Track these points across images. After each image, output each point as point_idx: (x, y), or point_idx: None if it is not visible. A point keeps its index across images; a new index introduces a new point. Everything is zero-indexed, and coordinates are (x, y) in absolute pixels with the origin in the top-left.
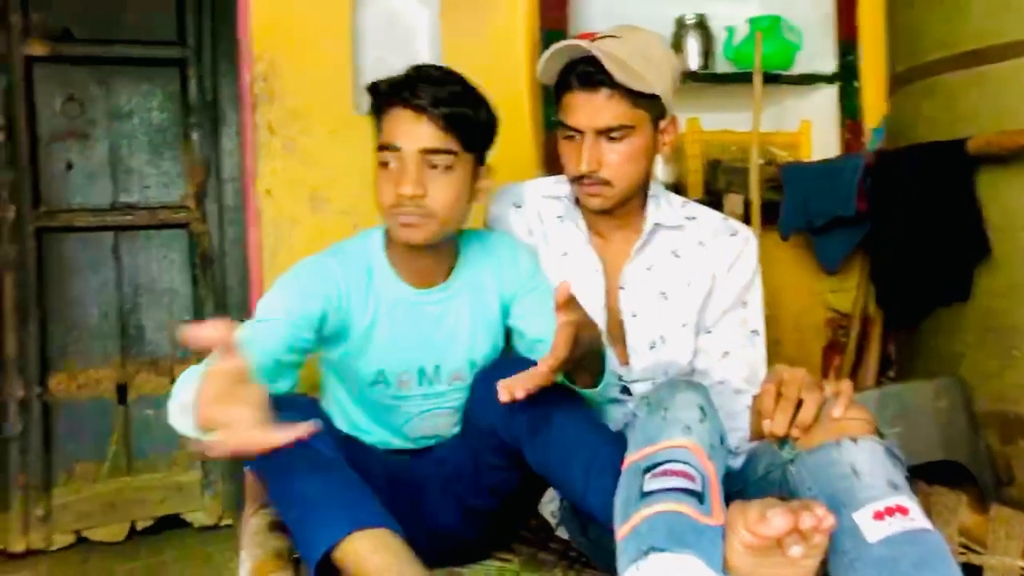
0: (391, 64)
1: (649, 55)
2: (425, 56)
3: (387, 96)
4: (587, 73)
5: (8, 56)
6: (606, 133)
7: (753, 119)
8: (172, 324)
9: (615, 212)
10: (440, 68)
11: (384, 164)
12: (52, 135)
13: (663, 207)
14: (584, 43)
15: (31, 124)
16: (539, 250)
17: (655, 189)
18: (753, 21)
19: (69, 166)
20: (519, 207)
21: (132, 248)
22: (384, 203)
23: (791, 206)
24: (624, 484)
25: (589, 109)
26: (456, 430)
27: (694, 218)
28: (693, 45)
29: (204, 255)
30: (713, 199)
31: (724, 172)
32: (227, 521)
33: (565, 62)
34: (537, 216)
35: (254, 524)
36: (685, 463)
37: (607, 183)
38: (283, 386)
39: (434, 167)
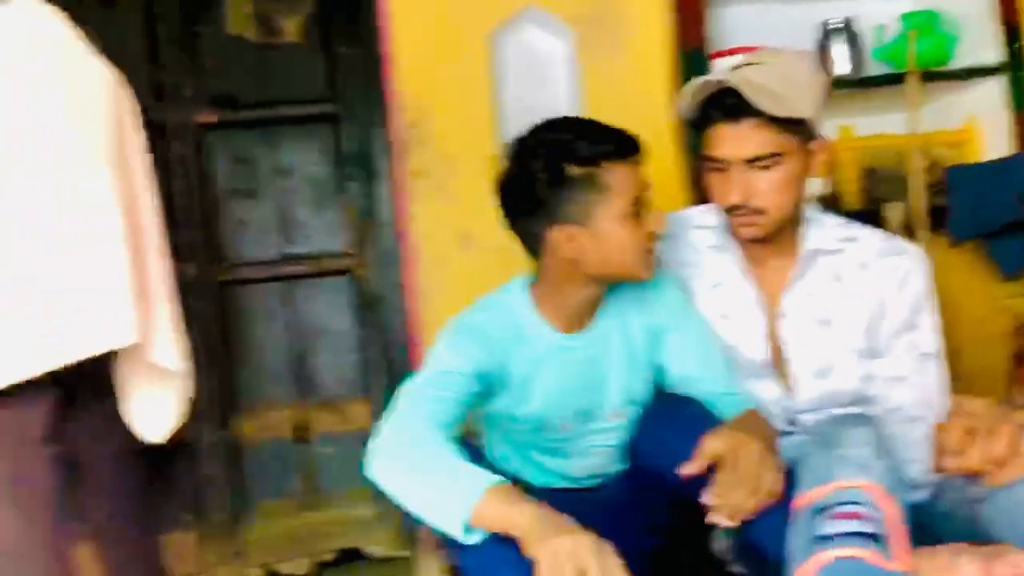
0: (531, 100)
1: (793, 78)
2: (563, 89)
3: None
4: (730, 105)
5: (184, 125)
6: (754, 162)
7: (910, 121)
8: (342, 365)
9: (769, 240)
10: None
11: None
12: (224, 195)
13: (819, 231)
14: (724, 75)
15: (206, 186)
16: (693, 282)
17: (810, 212)
18: (905, 17)
19: (241, 223)
20: (670, 239)
21: (301, 296)
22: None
23: (960, 211)
24: (797, 527)
25: (735, 140)
26: (620, 466)
27: (854, 239)
28: (840, 50)
29: (366, 298)
30: (873, 208)
31: (883, 179)
32: (404, 553)
33: (705, 96)
34: (690, 247)
35: (431, 567)
36: (861, 504)
37: (760, 212)
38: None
39: None
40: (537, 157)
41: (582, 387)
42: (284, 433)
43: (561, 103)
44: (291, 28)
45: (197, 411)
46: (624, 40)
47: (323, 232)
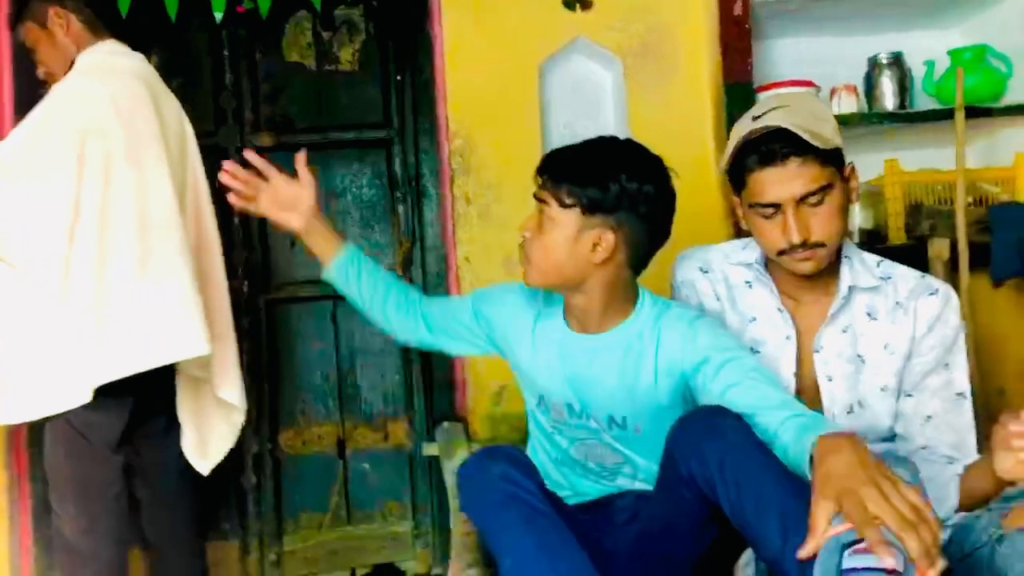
0: (578, 128)
1: (816, 113)
2: (611, 119)
3: None
4: (771, 150)
5: (242, 148)
6: (807, 199)
7: (956, 157)
8: (384, 384)
9: (815, 275)
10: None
11: None
12: None
13: (857, 268)
14: (766, 122)
15: None
16: (725, 316)
17: (848, 250)
18: (954, 53)
19: (292, 243)
20: (706, 272)
21: (348, 315)
22: None
23: (1002, 249)
24: (822, 559)
25: (785, 182)
26: (625, 469)
27: (890, 278)
28: (888, 84)
29: None
30: (916, 244)
31: (928, 215)
32: (437, 571)
33: (739, 147)
34: (724, 281)
35: None
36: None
37: (820, 245)
38: (422, 335)
39: None
40: None
41: (569, 382)
42: (326, 448)
43: (608, 132)
44: (347, 56)
45: (243, 424)
46: (671, 72)
47: (371, 253)
